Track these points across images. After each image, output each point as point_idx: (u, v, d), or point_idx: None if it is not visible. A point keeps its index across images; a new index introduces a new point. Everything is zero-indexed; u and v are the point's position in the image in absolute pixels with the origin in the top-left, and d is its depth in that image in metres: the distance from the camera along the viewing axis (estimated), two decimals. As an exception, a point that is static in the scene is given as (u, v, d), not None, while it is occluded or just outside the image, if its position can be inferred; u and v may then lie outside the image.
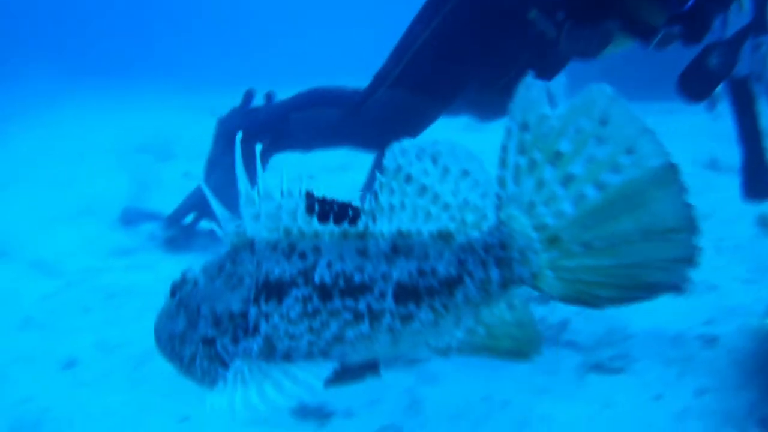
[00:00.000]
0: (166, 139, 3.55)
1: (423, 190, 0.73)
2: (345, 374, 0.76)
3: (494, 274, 0.69)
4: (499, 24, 1.79)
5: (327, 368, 0.71)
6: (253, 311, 0.73)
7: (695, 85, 1.65)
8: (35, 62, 6.73)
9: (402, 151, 0.74)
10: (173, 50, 9.49)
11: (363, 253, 0.71)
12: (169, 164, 3.31)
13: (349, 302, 0.71)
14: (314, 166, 2.74)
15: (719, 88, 1.70)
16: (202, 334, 0.75)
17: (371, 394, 1.32)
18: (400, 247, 0.71)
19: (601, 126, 0.63)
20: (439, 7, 1.83)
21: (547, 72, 1.87)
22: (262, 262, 0.73)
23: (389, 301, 0.71)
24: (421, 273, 0.70)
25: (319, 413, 1.27)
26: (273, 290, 0.72)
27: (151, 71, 7.56)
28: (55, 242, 2.27)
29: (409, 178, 0.73)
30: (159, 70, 7.75)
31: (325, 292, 0.71)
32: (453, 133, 2.70)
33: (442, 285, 0.70)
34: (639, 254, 0.64)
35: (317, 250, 0.72)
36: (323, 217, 0.72)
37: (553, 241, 0.66)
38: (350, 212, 0.73)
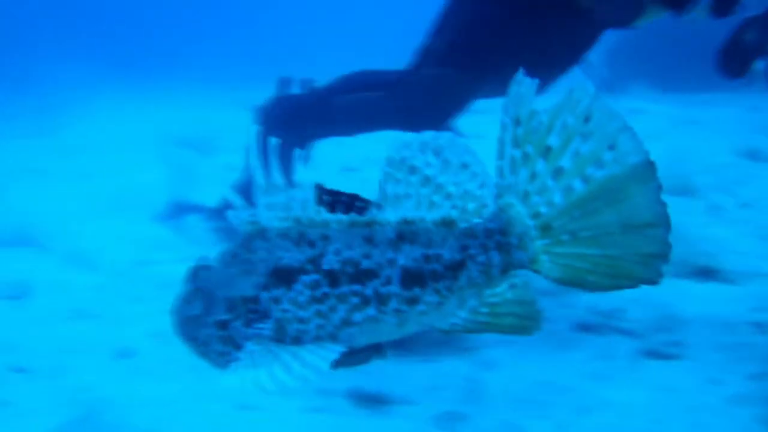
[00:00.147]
0: (205, 132, 3.56)
1: (426, 180, 0.77)
2: (352, 356, 0.79)
3: (495, 258, 0.73)
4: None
5: (334, 351, 0.74)
6: (264, 296, 0.76)
7: (732, 61, 1.65)
8: (73, 54, 6.74)
9: (405, 144, 0.78)
10: (210, 45, 9.46)
11: (370, 240, 0.74)
12: (210, 158, 3.31)
13: (357, 287, 0.74)
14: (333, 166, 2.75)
15: (761, 66, 1.70)
16: (217, 318, 0.78)
17: (429, 381, 1.33)
18: (405, 234, 0.74)
19: (584, 123, 0.67)
20: None
21: (580, 48, 1.85)
22: (273, 250, 0.76)
23: (395, 286, 0.74)
24: (426, 258, 0.73)
25: (376, 399, 1.28)
26: (284, 276, 0.75)
27: (185, 65, 7.55)
28: (94, 234, 2.26)
29: (413, 170, 0.78)
30: (194, 64, 7.74)
31: (333, 278, 0.74)
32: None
33: (446, 269, 0.74)
34: (619, 246, 0.68)
35: (326, 238, 0.74)
36: (332, 207, 0.76)
37: (545, 228, 0.70)
38: (358, 203, 0.76)
